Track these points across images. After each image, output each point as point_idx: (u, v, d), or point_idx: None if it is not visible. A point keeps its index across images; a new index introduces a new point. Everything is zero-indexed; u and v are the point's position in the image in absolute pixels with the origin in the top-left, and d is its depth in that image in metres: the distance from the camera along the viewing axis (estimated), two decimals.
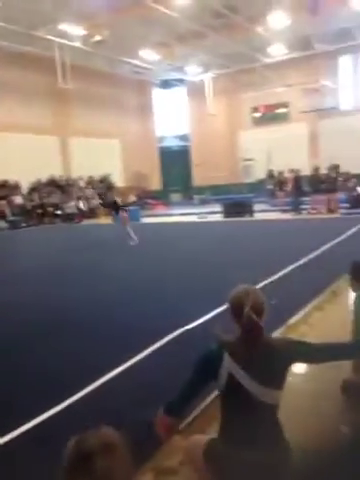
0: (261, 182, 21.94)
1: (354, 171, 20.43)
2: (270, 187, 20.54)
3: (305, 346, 1.93)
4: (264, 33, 18.71)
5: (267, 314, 1.83)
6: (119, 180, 24.92)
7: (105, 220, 19.63)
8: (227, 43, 19.61)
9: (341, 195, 15.71)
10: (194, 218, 16.73)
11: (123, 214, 11.23)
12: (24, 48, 18.21)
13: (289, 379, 3.20)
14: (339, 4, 16.67)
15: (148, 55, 20.84)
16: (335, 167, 15.44)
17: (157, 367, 3.48)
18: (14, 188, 19.85)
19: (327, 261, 6.69)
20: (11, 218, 18.42)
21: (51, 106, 21.62)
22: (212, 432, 2.13)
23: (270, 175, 21.14)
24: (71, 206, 20.57)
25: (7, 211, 18.56)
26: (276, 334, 3.68)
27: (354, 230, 10.05)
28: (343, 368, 2.95)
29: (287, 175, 16.82)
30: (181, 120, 27.34)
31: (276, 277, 6.10)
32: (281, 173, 19.14)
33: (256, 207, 16.50)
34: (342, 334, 3.28)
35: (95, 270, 7.93)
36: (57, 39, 17.20)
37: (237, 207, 16.06)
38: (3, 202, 18.64)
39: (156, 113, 27.77)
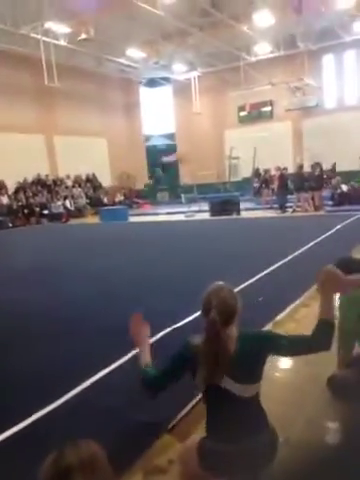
0: (247, 180, 22.06)
1: (338, 169, 20.73)
2: (256, 185, 20.66)
3: (277, 340, 1.90)
4: (249, 32, 18.81)
5: (241, 315, 1.83)
6: (106, 179, 24.88)
7: (92, 219, 19.58)
8: (213, 41, 19.66)
9: (326, 193, 15.89)
10: (181, 217, 16.76)
11: None
12: (9, 47, 18.01)
13: (276, 375, 3.28)
14: (323, 3, 16.84)
15: (134, 53, 20.79)
16: (319, 165, 15.58)
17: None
18: (0, 188, 19.65)
19: (313, 258, 6.77)
20: None
21: (37, 105, 21.41)
22: (200, 431, 2.15)
23: (256, 173, 21.25)
24: (58, 206, 20.44)
25: None
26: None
27: (338, 227, 10.18)
28: (329, 364, 3.01)
29: (274, 173, 16.93)
30: (167, 119, 27.32)
31: (263, 274, 6.17)
32: (267, 171, 19.25)
33: (242, 205, 16.59)
34: None
35: (74, 271, 7.80)
36: (43, 37, 17.06)
37: (224, 205, 16.11)
38: None
39: (142, 112, 27.72)
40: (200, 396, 2.69)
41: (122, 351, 3.62)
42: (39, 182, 21.41)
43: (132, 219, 17.95)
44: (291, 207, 15.44)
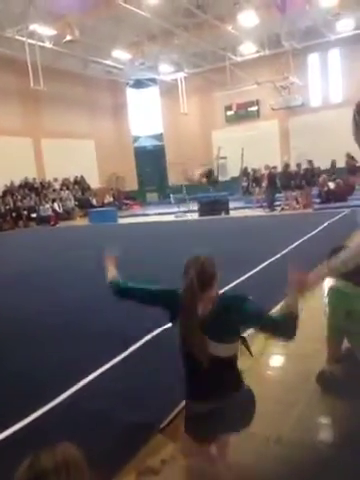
0: (235, 180, 22.13)
1: (324, 167, 20.87)
2: (245, 184, 20.74)
3: (247, 315, 1.91)
4: (234, 32, 18.89)
5: (219, 281, 1.93)
6: (94, 181, 24.79)
7: (81, 221, 19.50)
8: (198, 42, 19.72)
9: (313, 190, 15.99)
10: (171, 217, 16.77)
11: None
12: None
13: (267, 371, 3.31)
14: (306, 1, 16.98)
15: (120, 55, 20.76)
16: (307, 163, 15.70)
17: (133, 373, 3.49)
18: None
19: (302, 254, 6.82)
20: None
21: (23, 107, 21.29)
22: None
23: (244, 173, 21.33)
24: (46, 208, 20.32)
25: None
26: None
27: (326, 225, 10.28)
28: (320, 360, 3.04)
29: (263, 172, 17.01)
30: (155, 120, 27.32)
31: (252, 272, 6.20)
32: (256, 170, 19.32)
33: (231, 204, 16.65)
34: (318, 323, 3.40)
35: (63, 274, 7.76)
36: (28, 40, 16.95)
37: (213, 205, 16.16)
38: None
39: (130, 113, 27.68)
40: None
41: (113, 354, 3.63)
42: (26, 185, 21.28)
43: (122, 220, 17.90)
44: (280, 205, 15.54)
